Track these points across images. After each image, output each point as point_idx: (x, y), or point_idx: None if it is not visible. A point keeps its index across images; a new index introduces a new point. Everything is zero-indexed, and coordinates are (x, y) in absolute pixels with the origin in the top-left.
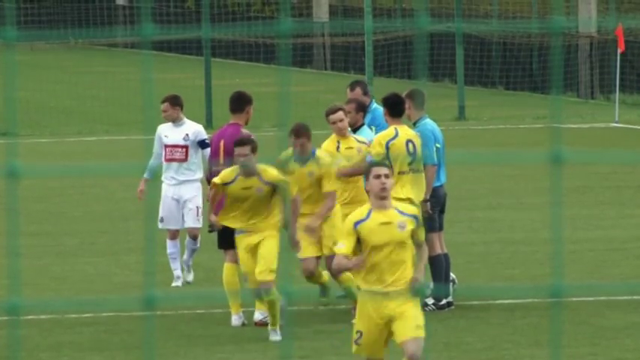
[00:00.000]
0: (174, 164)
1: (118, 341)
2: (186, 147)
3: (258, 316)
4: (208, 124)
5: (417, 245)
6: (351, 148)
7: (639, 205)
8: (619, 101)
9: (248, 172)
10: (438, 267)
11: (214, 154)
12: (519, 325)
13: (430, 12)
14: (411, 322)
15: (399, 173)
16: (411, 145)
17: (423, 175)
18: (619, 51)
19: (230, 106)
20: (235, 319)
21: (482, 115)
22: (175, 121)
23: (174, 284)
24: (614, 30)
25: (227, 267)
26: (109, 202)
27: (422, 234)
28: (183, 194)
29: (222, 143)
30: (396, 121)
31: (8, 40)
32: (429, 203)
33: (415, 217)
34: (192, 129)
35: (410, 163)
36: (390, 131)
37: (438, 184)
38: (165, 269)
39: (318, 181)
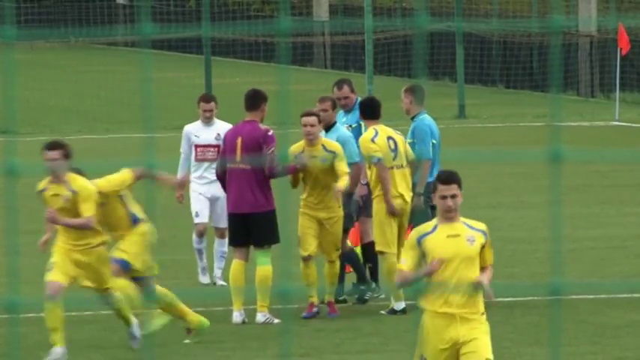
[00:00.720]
0: (205, 164)
1: (118, 339)
2: (218, 146)
3: (260, 318)
4: None
5: (483, 269)
6: (314, 157)
7: (639, 204)
8: (619, 100)
9: (57, 177)
10: None
11: (229, 151)
12: (519, 323)
13: (430, 11)
14: (479, 356)
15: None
16: (392, 142)
17: (407, 170)
18: (621, 52)
19: (245, 104)
20: (237, 316)
21: (483, 114)
22: (209, 121)
23: (201, 278)
24: (614, 29)
25: (235, 263)
26: None
27: (490, 256)
28: (216, 193)
29: (239, 140)
30: (372, 122)
31: (7, 39)
32: (422, 197)
33: (484, 233)
34: (223, 128)
35: (393, 159)
36: (370, 131)
37: (430, 179)
38: (164, 267)
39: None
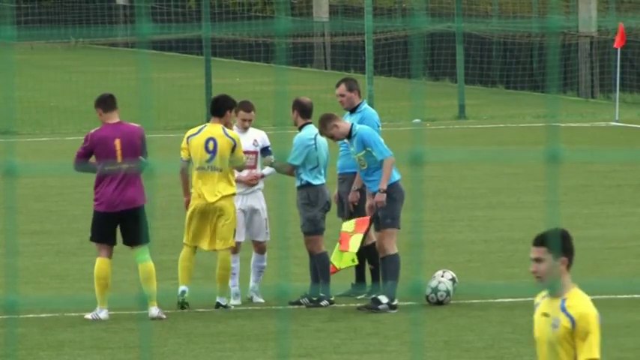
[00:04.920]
0: (244, 172)
1: (118, 340)
2: (256, 153)
3: (155, 312)
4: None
5: None
6: None
7: (639, 204)
8: (619, 100)
9: None
10: (395, 266)
11: (106, 153)
12: (519, 323)
13: (431, 11)
14: None
15: (197, 169)
16: (211, 143)
17: (220, 174)
18: (618, 47)
19: (107, 106)
20: (103, 313)
21: (483, 114)
22: (247, 129)
23: (232, 302)
24: (614, 30)
25: (100, 261)
26: None
27: (588, 350)
28: (253, 205)
29: (117, 142)
30: (213, 119)
31: (7, 39)
32: (385, 195)
33: (573, 320)
34: (259, 135)
35: (208, 161)
36: (194, 128)
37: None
38: (164, 267)
39: None
